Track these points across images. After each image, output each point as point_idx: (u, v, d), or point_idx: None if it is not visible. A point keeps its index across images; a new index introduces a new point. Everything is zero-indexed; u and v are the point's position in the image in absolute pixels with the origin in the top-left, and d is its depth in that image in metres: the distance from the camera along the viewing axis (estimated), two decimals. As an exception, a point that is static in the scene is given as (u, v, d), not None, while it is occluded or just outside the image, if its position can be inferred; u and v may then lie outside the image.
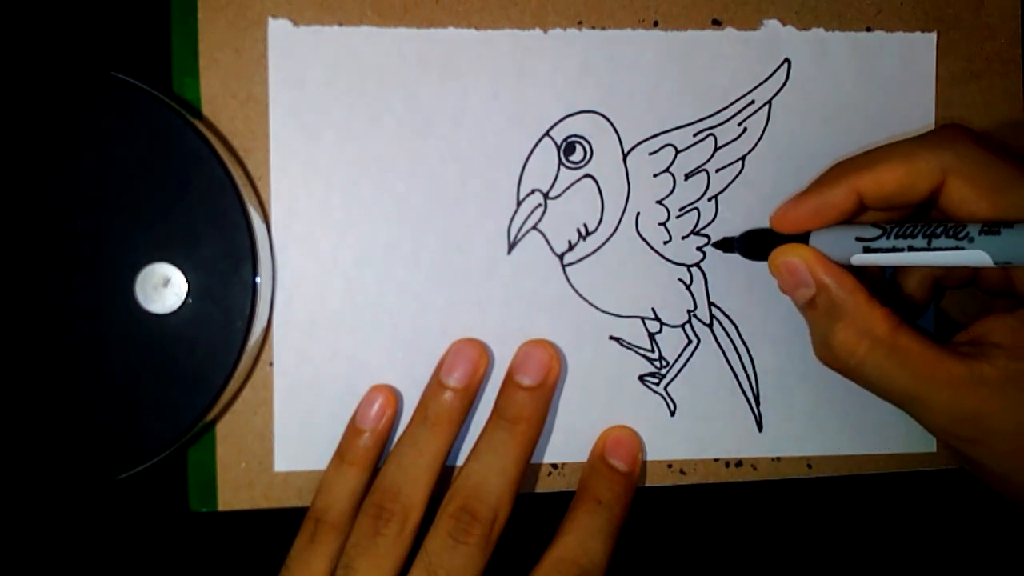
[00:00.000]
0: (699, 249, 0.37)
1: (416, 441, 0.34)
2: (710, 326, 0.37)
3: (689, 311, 0.37)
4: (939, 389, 0.30)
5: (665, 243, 0.37)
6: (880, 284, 0.36)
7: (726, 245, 0.36)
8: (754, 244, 0.35)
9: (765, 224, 0.37)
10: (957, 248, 0.30)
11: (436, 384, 0.35)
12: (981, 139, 0.32)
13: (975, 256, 0.29)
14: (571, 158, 0.36)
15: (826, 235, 0.33)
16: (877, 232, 0.31)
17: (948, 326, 0.38)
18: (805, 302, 0.33)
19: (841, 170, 0.33)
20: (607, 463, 0.36)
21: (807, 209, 0.33)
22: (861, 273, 0.33)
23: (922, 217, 0.34)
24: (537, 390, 0.35)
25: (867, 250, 0.31)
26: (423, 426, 0.34)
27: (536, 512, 0.36)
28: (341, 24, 0.36)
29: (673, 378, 0.37)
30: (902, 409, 0.32)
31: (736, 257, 0.37)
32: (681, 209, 0.37)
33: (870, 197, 0.32)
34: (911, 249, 0.31)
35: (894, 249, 0.31)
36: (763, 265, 0.37)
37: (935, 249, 0.30)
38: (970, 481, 0.33)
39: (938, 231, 0.30)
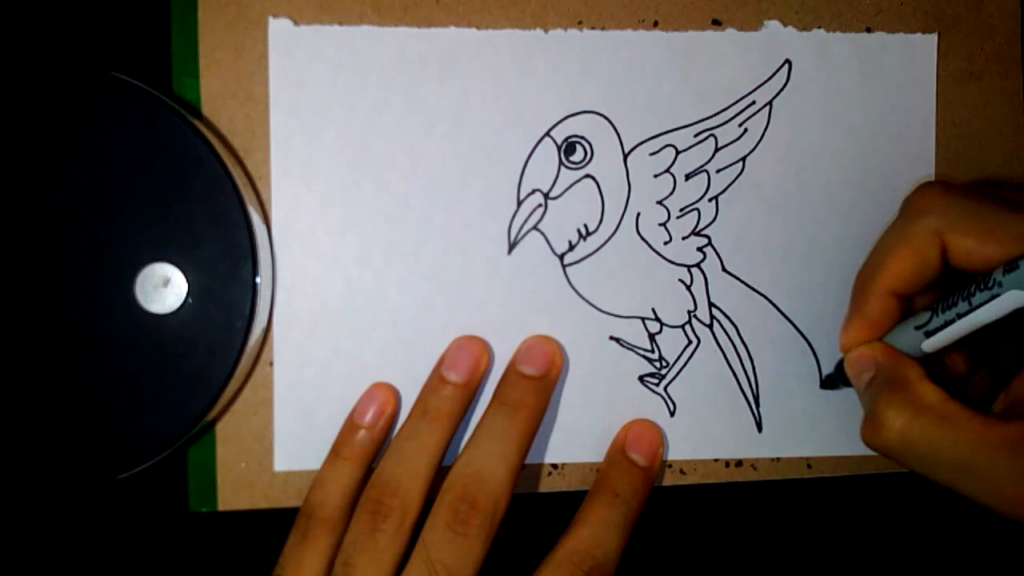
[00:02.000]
0: (699, 250, 0.37)
1: (416, 435, 0.34)
2: (710, 327, 0.37)
3: (689, 312, 0.37)
4: (995, 453, 0.29)
5: (665, 244, 0.37)
6: (963, 379, 0.35)
7: (830, 383, 0.37)
8: (843, 373, 0.35)
9: (766, 226, 0.37)
10: (993, 297, 0.29)
11: (437, 378, 0.35)
12: (956, 188, 0.32)
13: (1013, 298, 0.29)
14: (571, 158, 0.36)
15: (893, 335, 0.33)
16: (927, 315, 0.32)
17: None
18: (863, 385, 0.33)
19: (863, 282, 0.33)
20: (627, 456, 0.36)
21: (859, 332, 0.33)
22: (942, 368, 0.33)
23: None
24: (541, 380, 0.35)
25: (928, 334, 0.31)
26: (423, 420, 0.34)
27: (536, 512, 0.36)
28: (341, 23, 0.36)
29: (673, 378, 0.37)
30: (955, 488, 0.30)
31: (737, 259, 0.37)
32: (681, 210, 0.37)
33: (901, 291, 0.32)
34: (959, 316, 0.30)
35: (946, 323, 0.31)
36: (763, 268, 0.37)
37: (978, 307, 0.30)
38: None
39: (972, 289, 0.30)
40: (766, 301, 0.37)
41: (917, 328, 0.32)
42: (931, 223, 0.31)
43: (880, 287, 0.32)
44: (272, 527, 0.35)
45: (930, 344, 0.32)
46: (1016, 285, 0.29)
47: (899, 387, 0.31)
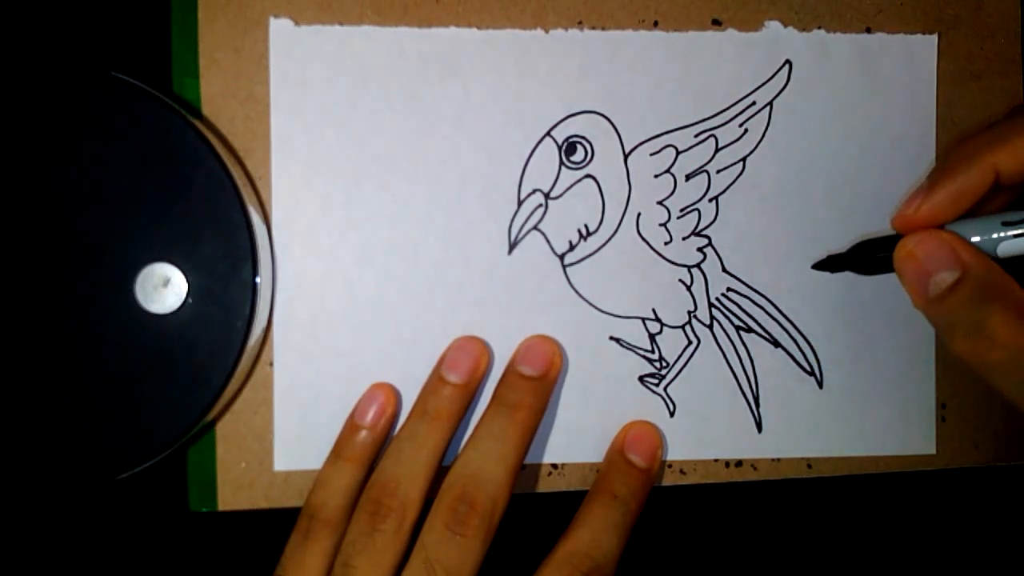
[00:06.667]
0: (699, 250, 0.37)
1: (415, 435, 0.34)
2: (710, 327, 0.37)
3: (689, 312, 0.37)
4: None
5: (666, 244, 0.37)
6: None
7: (833, 264, 0.32)
8: (869, 255, 0.30)
9: (766, 226, 0.37)
10: None
11: (437, 379, 0.35)
12: None
13: None
14: (572, 158, 0.36)
15: (965, 226, 0.28)
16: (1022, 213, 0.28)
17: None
18: (942, 290, 0.28)
19: (971, 149, 0.29)
20: (626, 458, 0.36)
21: (943, 198, 0.29)
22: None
23: None
24: (539, 381, 0.35)
25: (1019, 235, 0.27)
26: (422, 420, 0.34)
27: (536, 512, 0.36)
28: (341, 24, 0.36)
29: (673, 379, 0.37)
30: None
31: (737, 259, 0.37)
32: (682, 210, 0.37)
33: (1008, 174, 0.28)
34: None
35: None
36: (763, 268, 0.37)
37: None
38: (970, 481, 0.33)
39: None
40: (766, 301, 0.37)
41: (1005, 224, 0.28)
42: None
43: (992, 160, 0.28)
44: (272, 527, 0.35)
45: (1009, 248, 0.28)
46: None
47: (1007, 297, 0.27)
